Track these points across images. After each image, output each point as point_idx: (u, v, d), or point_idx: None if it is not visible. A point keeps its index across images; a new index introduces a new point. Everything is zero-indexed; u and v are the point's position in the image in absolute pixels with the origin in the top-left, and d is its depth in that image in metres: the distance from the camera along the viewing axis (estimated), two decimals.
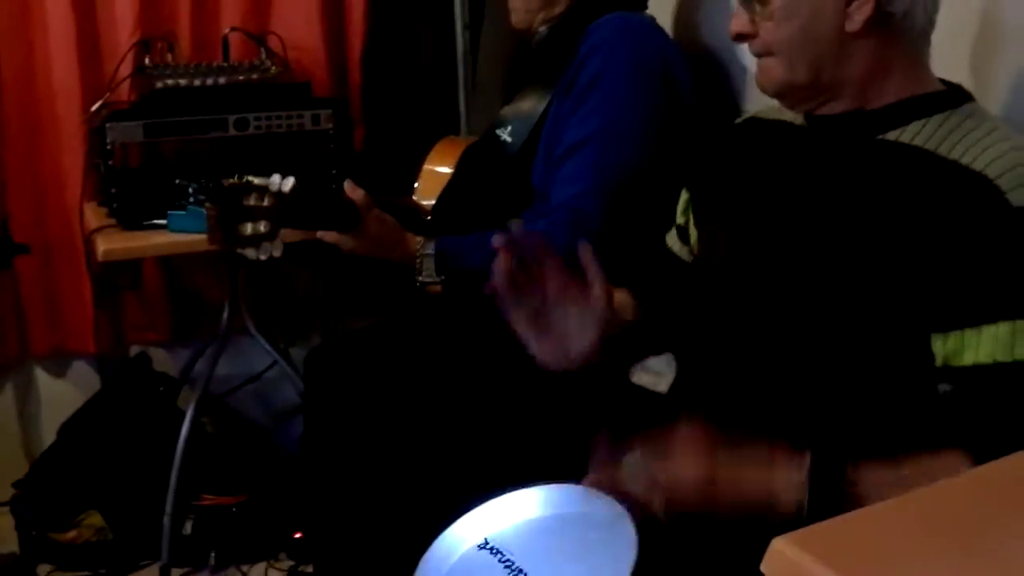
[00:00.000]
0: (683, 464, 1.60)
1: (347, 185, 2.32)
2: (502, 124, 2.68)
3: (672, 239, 2.10)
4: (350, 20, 3.66)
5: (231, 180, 2.15)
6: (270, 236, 2.16)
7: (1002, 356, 1.52)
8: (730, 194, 1.92)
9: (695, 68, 2.58)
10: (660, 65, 2.44)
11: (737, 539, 1.54)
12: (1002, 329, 1.52)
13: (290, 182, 2.17)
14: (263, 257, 2.18)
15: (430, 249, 2.32)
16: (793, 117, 1.85)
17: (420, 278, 2.33)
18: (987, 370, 1.53)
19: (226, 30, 3.44)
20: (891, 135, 1.68)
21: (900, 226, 1.60)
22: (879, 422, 1.64)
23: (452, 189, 2.60)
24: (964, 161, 1.59)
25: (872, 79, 1.70)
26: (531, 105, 2.62)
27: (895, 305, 1.59)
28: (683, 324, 1.97)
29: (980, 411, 1.54)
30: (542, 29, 2.61)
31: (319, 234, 2.31)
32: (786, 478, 1.56)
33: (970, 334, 1.53)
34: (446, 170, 2.65)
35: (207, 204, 2.18)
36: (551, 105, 2.55)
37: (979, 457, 1.45)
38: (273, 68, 3.35)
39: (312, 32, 3.58)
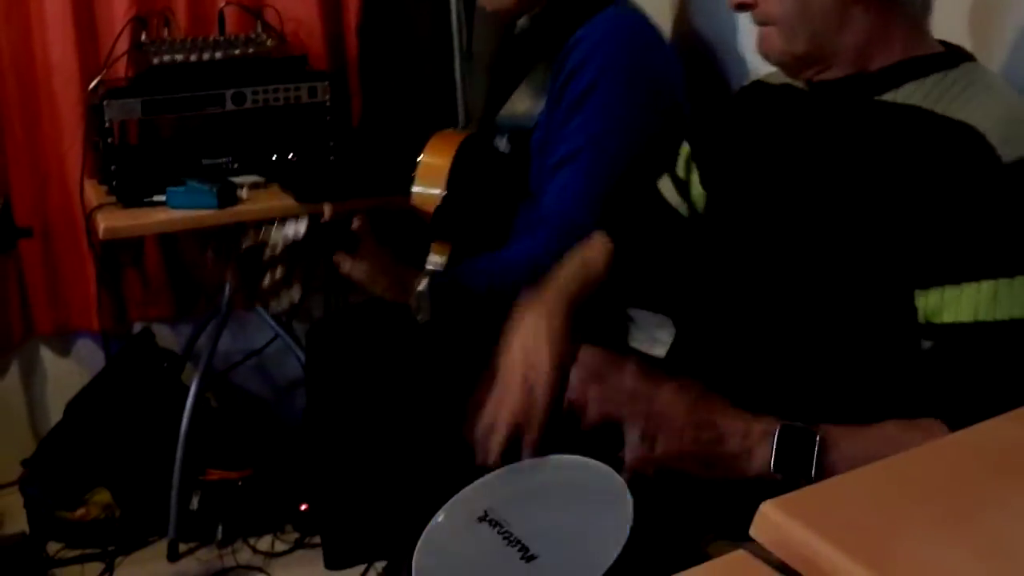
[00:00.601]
0: (672, 397, 1.63)
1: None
2: (500, 131, 2.64)
3: (668, 189, 2.11)
4: None
5: (248, 241, 2.11)
6: (287, 282, 2.15)
7: (984, 315, 1.52)
8: (735, 158, 1.94)
9: (690, 58, 2.57)
10: (652, 71, 2.40)
11: (724, 501, 1.56)
12: (984, 288, 1.52)
13: (304, 226, 2.13)
14: (284, 307, 2.17)
15: (423, 286, 2.27)
16: (797, 81, 1.86)
17: (419, 318, 2.30)
18: (968, 329, 1.53)
19: (222, 4, 3.44)
20: (887, 96, 1.69)
21: (893, 183, 1.61)
22: (862, 376, 1.65)
23: (453, 201, 2.56)
24: (957, 117, 1.60)
25: (871, 44, 1.70)
26: (525, 110, 2.58)
27: (884, 260, 1.60)
28: (681, 284, 1.99)
29: (959, 371, 1.54)
30: (523, 20, 2.55)
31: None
32: (761, 430, 1.58)
33: (951, 291, 1.54)
34: (443, 162, 2.62)
35: (230, 268, 2.14)
36: (543, 111, 2.50)
37: (955, 425, 1.46)
38: (269, 41, 3.34)
39: (308, 3, 3.56)
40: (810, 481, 1.52)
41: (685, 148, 2.09)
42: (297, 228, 2.13)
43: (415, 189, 2.64)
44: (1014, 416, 1.26)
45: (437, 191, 2.59)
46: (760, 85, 2.00)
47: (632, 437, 1.61)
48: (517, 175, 2.45)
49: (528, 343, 1.89)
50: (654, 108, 2.38)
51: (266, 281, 2.13)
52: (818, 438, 1.54)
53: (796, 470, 1.54)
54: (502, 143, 2.62)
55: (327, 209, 2.21)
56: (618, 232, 2.12)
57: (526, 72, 2.61)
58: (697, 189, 2.07)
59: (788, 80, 1.88)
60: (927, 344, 1.58)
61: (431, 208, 2.57)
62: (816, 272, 1.68)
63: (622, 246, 2.10)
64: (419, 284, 2.27)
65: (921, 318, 1.58)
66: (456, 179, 2.56)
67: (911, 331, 1.59)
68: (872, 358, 1.64)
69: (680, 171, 2.09)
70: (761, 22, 1.75)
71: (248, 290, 2.14)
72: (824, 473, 1.52)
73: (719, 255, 1.89)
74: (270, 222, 2.17)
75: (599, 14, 2.37)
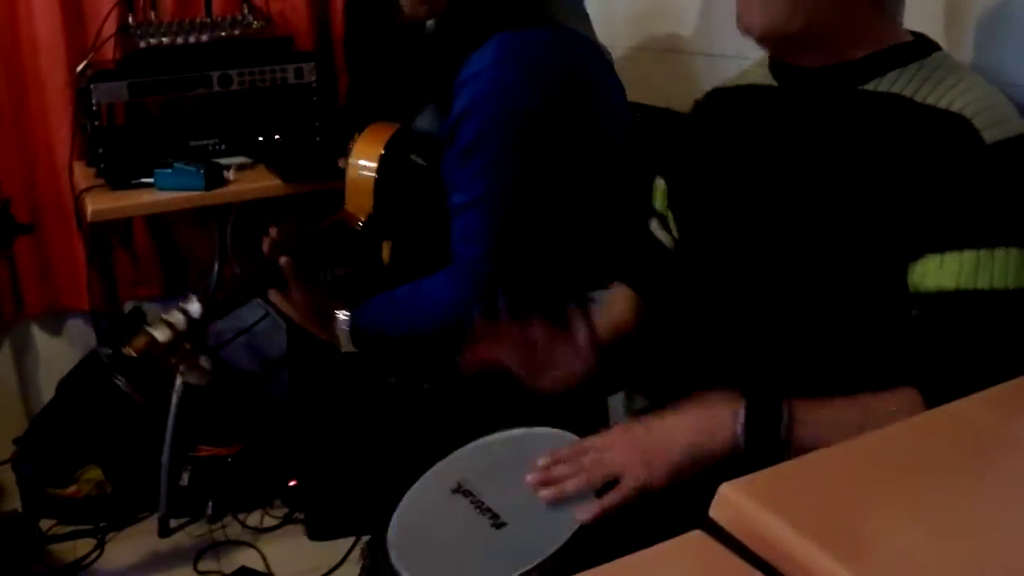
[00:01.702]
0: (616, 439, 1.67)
1: (266, 244, 2.34)
2: (415, 148, 2.55)
3: (657, 229, 2.12)
4: None
5: (129, 348, 2.05)
6: (192, 356, 2.14)
7: (964, 284, 1.55)
8: (708, 171, 1.93)
9: None
10: (552, 98, 2.23)
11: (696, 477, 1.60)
12: (967, 257, 1.55)
13: (196, 307, 2.12)
14: (202, 380, 2.17)
15: (344, 325, 2.31)
16: (762, 79, 1.86)
17: (343, 351, 2.33)
18: (950, 296, 1.56)
19: None
20: (870, 85, 1.71)
21: (881, 170, 1.63)
22: (851, 350, 1.67)
23: (379, 214, 2.55)
24: (941, 105, 1.62)
25: (855, 31, 1.71)
26: (430, 127, 2.53)
27: (875, 244, 1.62)
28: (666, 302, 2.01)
29: (940, 339, 1.58)
30: (430, 23, 2.45)
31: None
32: (714, 417, 1.61)
33: (934, 259, 1.57)
34: (369, 174, 2.56)
35: (118, 378, 2.10)
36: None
37: (930, 395, 1.51)
38: (255, 23, 3.36)
39: None
40: (780, 454, 1.56)
41: (660, 183, 2.07)
42: (191, 308, 2.11)
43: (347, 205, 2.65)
44: (976, 399, 1.30)
45: (364, 211, 2.56)
46: (719, 92, 2.00)
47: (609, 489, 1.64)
48: (436, 188, 2.41)
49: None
50: (557, 141, 2.25)
51: (171, 361, 2.12)
52: (785, 412, 1.58)
53: (765, 445, 1.58)
54: (419, 158, 2.53)
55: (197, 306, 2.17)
56: (638, 283, 2.12)
57: (433, 82, 2.51)
58: (671, 216, 2.05)
59: (749, 81, 1.89)
60: (915, 313, 1.62)
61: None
62: (807, 260, 1.70)
63: (647, 296, 2.10)
64: (338, 324, 2.31)
65: (911, 288, 1.61)
66: (381, 195, 2.55)
67: (902, 303, 1.62)
68: (866, 334, 1.66)
69: (659, 206, 2.08)
70: None
71: (143, 394, 2.13)
72: (794, 444, 1.57)
73: (702, 264, 1.91)
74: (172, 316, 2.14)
75: (491, 40, 2.21)
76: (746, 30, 1.76)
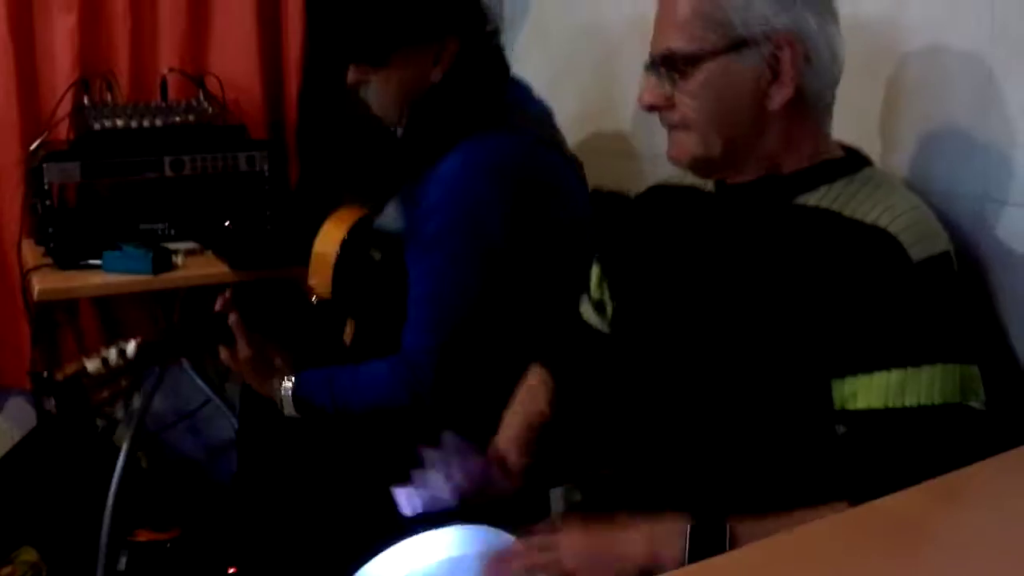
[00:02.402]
0: (569, 539, 1.70)
1: (220, 302, 2.43)
2: (375, 242, 2.64)
3: (587, 311, 2.15)
4: (287, 61, 3.70)
5: (59, 371, 2.20)
6: (127, 394, 2.26)
7: (893, 402, 1.59)
8: (643, 262, 1.97)
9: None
10: (512, 200, 2.31)
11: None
12: (894, 376, 1.59)
13: (131, 346, 2.25)
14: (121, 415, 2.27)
15: (287, 392, 2.41)
16: (701, 183, 1.91)
17: (284, 412, 2.43)
18: (879, 415, 1.60)
19: (164, 70, 3.48)
20: (801, 199, 1.75)
21: (809, 283, 1.67)
22: (778, 461, 1.70)
23: (333, 295, 2.64)
24: (868, 220, 1.67)
25: (785, 149, 1.76)
26: (395, 225, 2.55)
27: (801, 354, 1.66)
28: (597, 392, 2.04)
29: (871, 454, 1.60)
30: (398, 130, 2.52)
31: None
32: (665, 535, 1.63)
33: (863, 379, 1.61)
34: (330, 256, 2.67)
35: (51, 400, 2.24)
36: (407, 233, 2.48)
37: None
38: (210, 109, 3.38)
39: (250, 73, 3.61)
40: None
41: (596, 268, 2.12)
42: (127, 348, 2.24)
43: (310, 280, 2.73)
44: (904, 495, 1.32)
45: (324, 287, 2.67)
46: (661, 189, 2.04)
47: None
48: (392, 282, 2.44)
49: None
50: (499, 254, 2.32)
51: (105, 394, 2.25)
52: (728, 534, 1.59)
53: None
54: (377, 254, 2.62)
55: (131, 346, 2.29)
56: (554, 364, 2.17)
57: (398, 183, 2.56)
58: (611, 304, 2.09)
59: (693, 182, 1.93)
60: (841, 429, 1.64)
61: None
62: (734, 366, 1.73)
63: (560, 378, 2.15)
64: (280, 390, 2.41)
65: (837, 405, 1.64)
66: (338, 278, 2.63)
67: (826, 418, 1.65)
68: (789, 445, 1.69)
69: (594, 291, 2.12)
70: (674, 126, 1.78)
71: (67, 417, 2.24)
72: None
73: (632, 355, 1.93)
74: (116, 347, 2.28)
75: (459, 147, 2.30)
76: (673, 162, 1.83)
